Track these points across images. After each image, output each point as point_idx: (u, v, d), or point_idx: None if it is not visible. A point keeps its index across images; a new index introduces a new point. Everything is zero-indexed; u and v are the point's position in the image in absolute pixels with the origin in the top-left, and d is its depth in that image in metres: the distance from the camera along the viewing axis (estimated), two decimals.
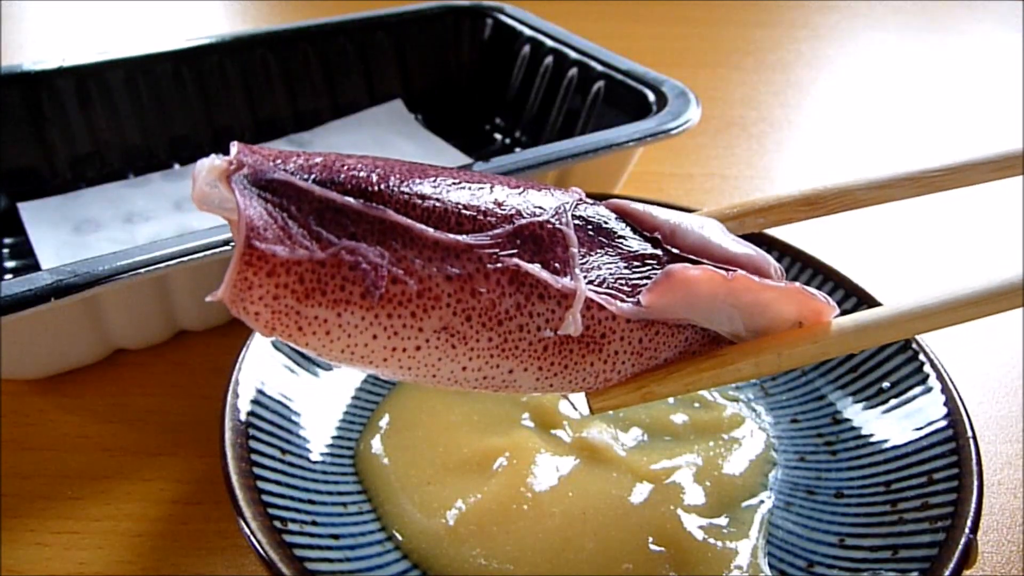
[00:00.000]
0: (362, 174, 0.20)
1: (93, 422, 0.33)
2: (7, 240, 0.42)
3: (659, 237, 0.24)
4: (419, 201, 0.20)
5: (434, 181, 0.21)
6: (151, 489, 0.30)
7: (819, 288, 0.34)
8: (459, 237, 0.20)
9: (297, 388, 0.30)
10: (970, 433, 0.27)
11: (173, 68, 0.47)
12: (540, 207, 0.22)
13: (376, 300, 0.19)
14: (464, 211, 0.21)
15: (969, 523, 0.24)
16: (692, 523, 0.27)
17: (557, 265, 0.21)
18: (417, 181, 0.21)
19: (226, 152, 0.20)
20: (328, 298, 0.19)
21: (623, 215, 0.24)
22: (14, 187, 0.44)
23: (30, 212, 0.43)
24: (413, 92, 0.56)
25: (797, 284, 0.24)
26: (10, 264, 0.40)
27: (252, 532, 0.23)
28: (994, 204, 0.53)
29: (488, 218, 0.21)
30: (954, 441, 0.27)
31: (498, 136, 0.55)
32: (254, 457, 0.26)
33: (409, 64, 0.56)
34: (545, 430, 0.30)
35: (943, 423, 0.28)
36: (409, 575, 0.25)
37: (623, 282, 0.22)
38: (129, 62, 0.46)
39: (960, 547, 0.24)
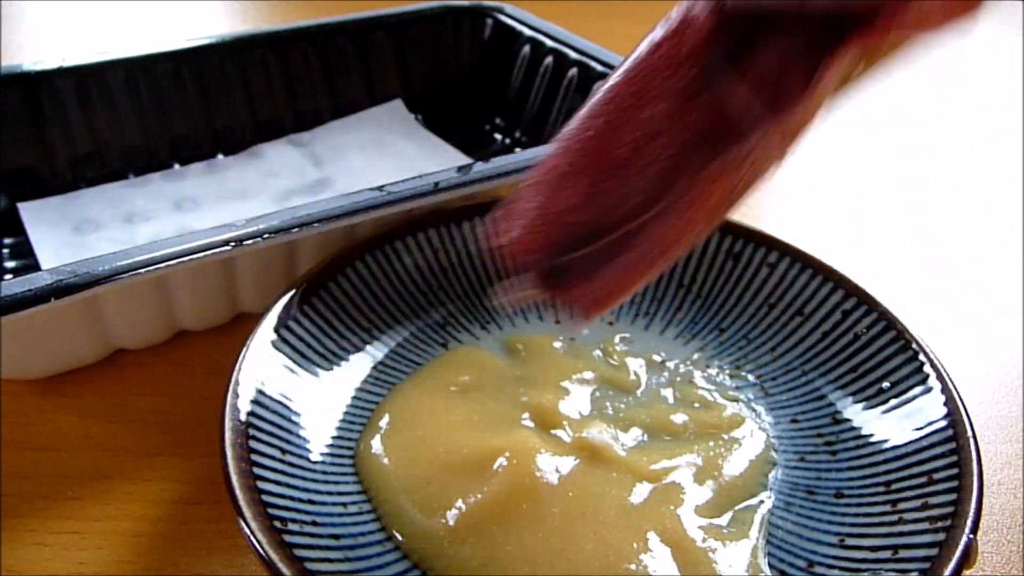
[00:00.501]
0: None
1: (93, 422, 0.33)
2: (7, 240, 0.42)
3: None
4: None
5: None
6: (151, 489, 0.30)
7: (818, 289, 0.34)
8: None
9: (297, 388, 0.30)
10: (970, 433, 0.27)
11: (173, 68, 0.47)
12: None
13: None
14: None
15: (969, 523, 0.24)
16: (692, 523, 0.27)
17: (739, 121, 0.21)
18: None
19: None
20: None
21: None
22: (14, 187, 0.44)
23: (30, 212, 0.43)
24: (413, 92, 0.56)
25: None
26: (10, 264, 0.40)
27: (252, 532, 0.23)
28: (994, 204, 0.53)
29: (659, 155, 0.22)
30: (954, 441, 0.27)
31: (498, 136, 0.55)
32: (254, 457, 0.26)
33: (409, 64, 0.56)
34: (545, 430, 0.30)
35: (943, 423, 0.28)
36: (409, 575, 0.25)
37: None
38: (129, 62, 0.46)
39: (960, 547, 0.24)
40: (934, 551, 0.24)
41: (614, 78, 0.24)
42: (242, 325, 0.35)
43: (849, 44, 0.19)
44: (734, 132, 0.21)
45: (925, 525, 0.25)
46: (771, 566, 0.26)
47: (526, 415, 0.31)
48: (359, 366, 0.33)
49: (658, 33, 0.23)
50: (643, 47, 0.23)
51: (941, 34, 0.20)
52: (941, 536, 0.24)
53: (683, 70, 0.22)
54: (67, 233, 0.42)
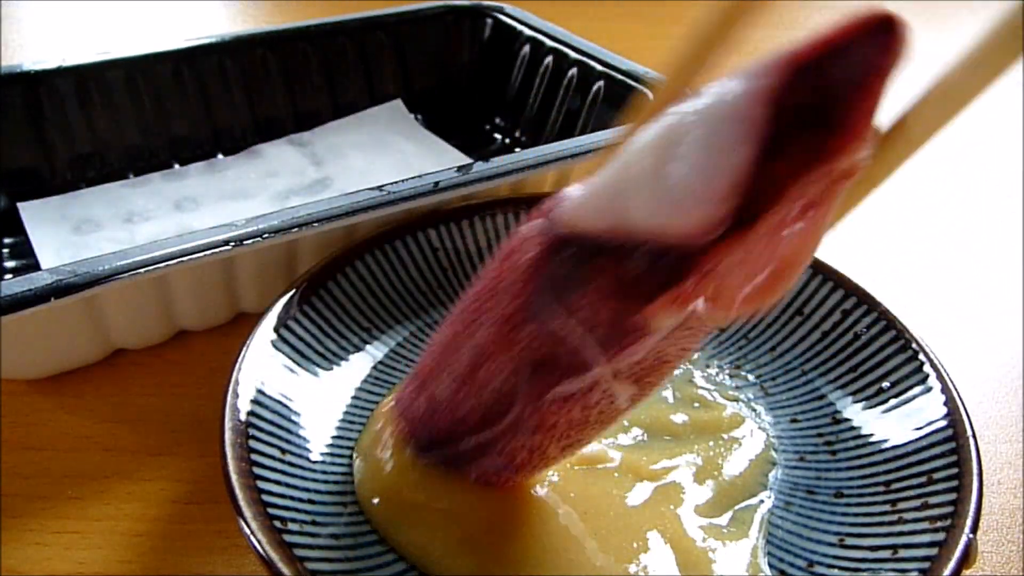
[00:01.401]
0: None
1: (93, 422, 0.33)
2: (7, 240, 0.42)
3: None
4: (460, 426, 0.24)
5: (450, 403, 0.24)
6: (151, 489, 0.30)
7: (818, 288, 0.34)
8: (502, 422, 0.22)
9: (297, 388, 0.30)
10: (970, 433, 0.27)
11: (173, 68, 0.47)
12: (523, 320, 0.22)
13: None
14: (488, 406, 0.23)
15: (969, 523, 0.24)
16: (692, 523, 0.27)
17: (571, 356, 0.20)
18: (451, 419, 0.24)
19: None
20: None
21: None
22: (14, 187, 0.44)
23: (30, 212, 0.43)
24: (413, 92, 0.56)
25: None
26: (10, 264, 0.40)
27: (252, 532, 0.23)
28: (994, 204, 0.53)
29: (505, 388, 0.22)
30: (954, 441, 0.27)
31: (498, 136, 0.55)
32: (254, 457, 0.26)
33: (409, 64, 0.56)
34: None
35: (943, 423, 0.28)
36: (408, 575, 0.25)
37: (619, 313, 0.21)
38: (129, 62, 0.46)
39: (960, 547, 0.24)
40: (934, 551, 0.24)
41: (476, 280, 0.23)
42: (242, 325, 0.35)
43: (669, 294, 0.17)
44: (567, 365, 0.20)
45: (925, 525, 0.25)
46: (771, 566, 0.26)
47: None
48: (359, 366, 0.33)
49: (504, 247, 0.22)
50: (495, 257, 0.22)
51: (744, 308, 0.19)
52: (941, 536, 0.24)
53: (509, 297, 0.21)
54: (67, 233, 0.42)
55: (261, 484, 0.25)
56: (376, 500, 0.27)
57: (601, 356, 0.19)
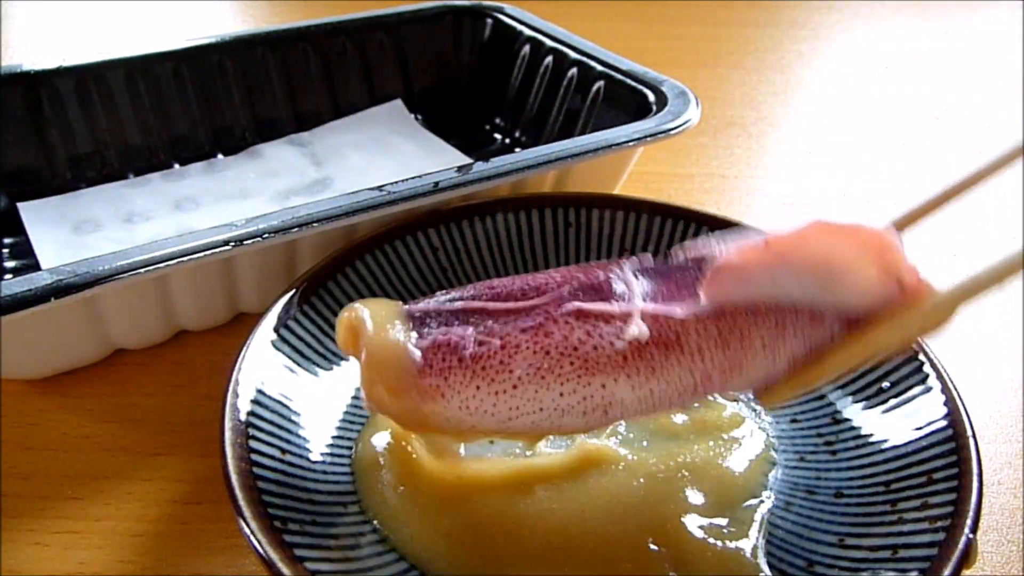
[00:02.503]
0: (451, 293, 0.26)
1: (93, 422, 0.33)
2: (7, 240, 0.42)
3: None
4: (489, 290, 0.25)
5: (506, 280, 0.26)
6: (151, 489, 0.30)
7: None
8: (525, 303, 0.25)
9: (297, 388, 0.30)
10: (970, 433, 0.27)
11: (173, 68, 0.47)
12: (598, 268, 0.26)
13: (469, 359, 0.24)
14: (528, 286, 0.25)
15: (969, 523, 0.24)
16: (692, 523, 0.27)
17: (616, 298, 0.25)
18: (491, 284, 0.26)
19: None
20: (435, 368, 0.24)
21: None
22: (14, 187, 0.44)
23: (30, 212, 0.43)
24: (413, 92, 0.56)
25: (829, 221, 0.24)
26: (10, 264, 0.40)
27: (252, 532, 0.23)
28: (994, 204, 0.53)
29: (550, 285, 0.25)
30: (954, 441, 0.27)
31: (498, 136, 0.55)
32: (254, 457, 0.26)
33: (409, 64, 0.56)
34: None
35: (943, 423, 0.28)
36: (408, 575, 0.25)
37: (682, 292, 0.25)
38: (129, 62, 0.46)
39: (960, 547, 0.24)
40: (934, 551, 0.24)
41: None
42: (242, 325, 0.35)
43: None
44: (609, 293, 0.25)
45: (925, 525, 0.25)
46: (771, 566, 0.26)
47: None
48: (359, 366, 0.33)
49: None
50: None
51: None
52: (941, 536, 0.24)
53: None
54: (67, 233, 0.42)
55: (261, 484, 0.25)
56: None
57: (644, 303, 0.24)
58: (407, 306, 0.25)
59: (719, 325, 0.24)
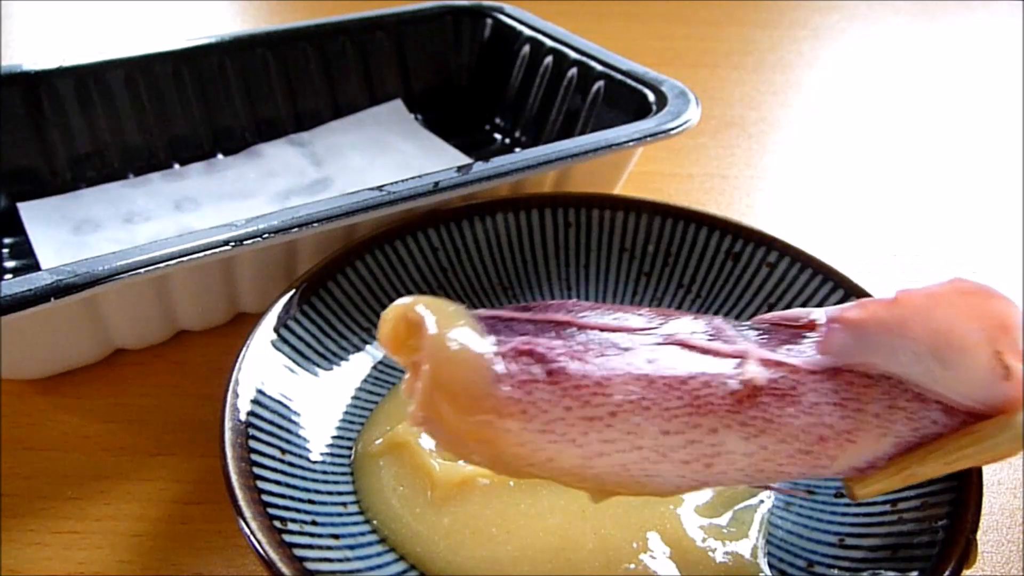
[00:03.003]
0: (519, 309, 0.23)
1: (93, 422, 0.33)
2: (7, 240, 0.42)
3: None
4: (574, 306, 0.23)
5: (585, 302, 0.23)
6: (151, 489, 0.30)
7: (818, 288, 0.34)
8: (624, 325, 0.22)
9: (297, 388, 0.30)
10: None
11: (173, 68, 0.47)
12: (689, 313, 0.24)
13: (560, 374, 0.20)
14: (616, 311, 0.23)
15: (969, 523, 0.24)
16: (692, 523, 0.27)
17: (722, 338, 0.22)
18: (568, 304, 0.23)
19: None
20: (517, 380, 0.20)
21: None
22: (14, 187, 0.44)
23: (30, 212, 0.43)
24: (413, 92, 0.56)
25: (967, 283, 0.21)
26: (10, 264, 0.40)
27: (252, 532, 0.23)
28: (994, 204, 0.53)
29: (641, 315, 0.23)
30: None
31: (498, 136, 0.55)
32: (254, 457, 0.26)
33: (409, 64, 0.56)
34: None
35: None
36: (408, 575, 0.25)
37: (792, 344, 0.23)
38: (129, 62, 0.46)
39: (960, 547, 0.24)
40: (934, 551, 0.24)
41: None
42: (242, 325, 0.35)
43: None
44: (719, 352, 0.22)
45: (925, 525, 0.25)
46: (771, 566, 0.26)
47: None
48: (359, 366, 0.33)
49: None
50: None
51: None
52: (941, 536, 0.24)
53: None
54: (67, 233, 0.42)
55: (261, 484, 0.25)
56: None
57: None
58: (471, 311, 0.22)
59: (836, 384, 0.22)
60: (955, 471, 0.23)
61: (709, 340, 0.22)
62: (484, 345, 0.20)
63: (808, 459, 0.22)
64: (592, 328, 0.21)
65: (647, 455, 0.21)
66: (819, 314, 0.23)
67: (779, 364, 0.21)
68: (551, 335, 0.21)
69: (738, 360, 0.21)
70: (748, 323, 0.24)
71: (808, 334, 0.23)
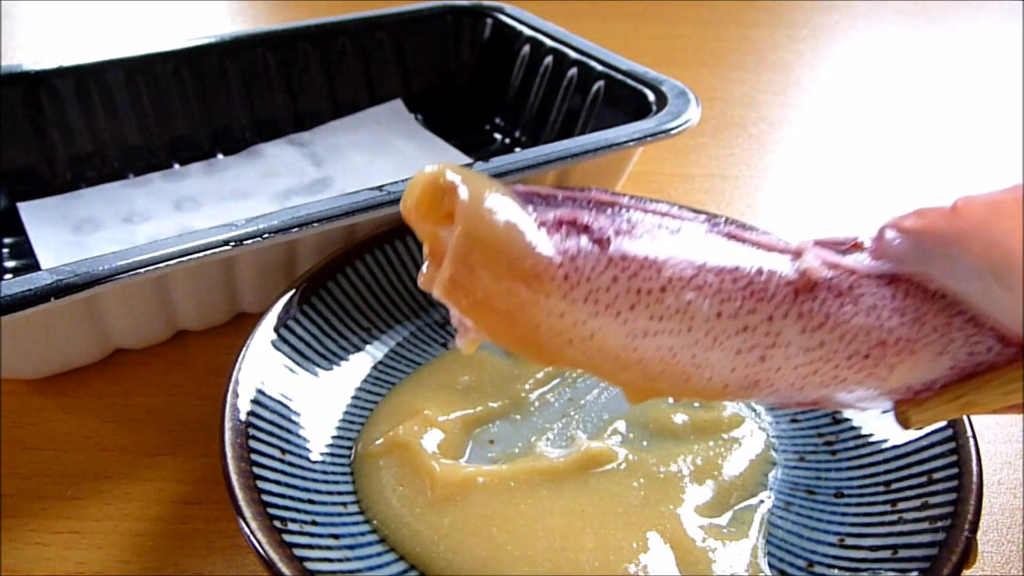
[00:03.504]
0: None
1: (93, 422, 0.33)
2: (7, 240, 0.42)
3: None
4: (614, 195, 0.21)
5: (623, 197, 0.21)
6: (151, 489, 0.30)
7: None
8: (672, 212, 0.20)
9: (297, 388, 0.30)
10: (970, 433, 0.27)
11: (173, 68, 0.47)
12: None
13: (606, 242, 0.18)
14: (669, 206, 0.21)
15: (969, 523, 0.24)
16: (692, 523, 0.27)
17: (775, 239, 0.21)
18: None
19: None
20: (559, 248, 0.18)
21: None
22: (14, 187, 0.44)
23: (30, 212, 0.43)
24: (413, 92, 0.56)
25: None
26: (10, 264, 0.40)
27: (252, 532, 0.23)
28: None
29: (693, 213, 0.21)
30: (954, 441, 0.27)
31: (498, 136, 0.55)
32: (254, 457, 0.26)
33: (409, 64, 0.56)
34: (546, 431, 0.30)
35: (943, 423, 0.28)
36: (408, 575, 0.25)
37: (848, 255, 0.21)
38: (129, 62, 0.46)
39: (960, 547, 0.24)
40: (934, 551, 0.24)
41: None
42: (242, 325, 0.35)
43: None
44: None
45: (925, 525, 0.25)
46: (771, 566, 0.26)
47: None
48: (359, 366, 0.33)
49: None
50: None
51: None
52: (941, 536, 0.24)
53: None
54: (67, 233, 0.42)
55: (261, 484, 0.25)
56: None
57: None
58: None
59: (894, 291, 0.20)
60: (1011, 404, 0.21)
61: (760, 236, 0.20)
62: (524, 211, 0.19)
63: (867, 365, 0.20)
64: (639, 210, 0.20)
65: (698, 338, 0.19)
66: (867, 235, 0.22)
67: (835, 265, 0.20)
68: (595, 212, 0.19)
69: (793, 254, 0.20)
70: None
71: (860, 250, 0.21)
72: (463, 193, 0.18)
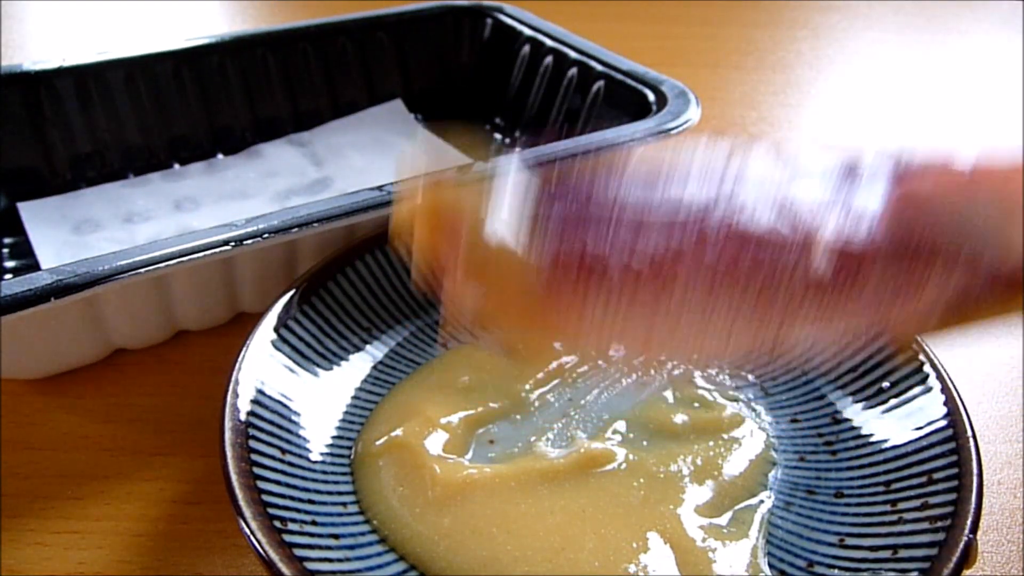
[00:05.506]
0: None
1: (93, 422, 0.33)
2: (7, 240, 0.42)
3: None
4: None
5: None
6: (151, 489, 0.30)
7: None
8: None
9: (297, 388, 0.30)
10: (970, 433, 0.27)
11: (173, 68, 0.47)
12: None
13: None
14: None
15: (969, 523, 0.24)
16: (692, 523, 0.27)
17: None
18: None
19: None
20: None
21: None
22: (14, 187, 0.44)
23: (30, 212, 0.43)
24: (413, 92, 0.56)
25: None
26: (10, 264, 0.40)
27: (252, 532, 0.23)
28: None
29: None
30: (954, 441, 0.27)
31: (498, 136, 0.55)
32: (254, 457, 0.26)
33: (409, 64, 0.56)
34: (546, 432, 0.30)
35: (943, 423, 0.28)
36: (408, 575, 0.25)
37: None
38: (129, 62, 0.46)
39: (960, 547, 0.24)
40: (934, 551, 0.24)
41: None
42: (242, 325, 0.35)
43: None
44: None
45: (925, 525, 0.25)
46: (771, 566, 0.26)
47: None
48: (359, 366, 0.33)
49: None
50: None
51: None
52: (941, 536, 0.24)
53: None
54: (67, 233, 0.42)
55: (261, 484, 0.25)
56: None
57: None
58: None
59: (898, 252, 0.20)
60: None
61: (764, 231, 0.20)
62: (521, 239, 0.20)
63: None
64: (639, 224, 0.20)
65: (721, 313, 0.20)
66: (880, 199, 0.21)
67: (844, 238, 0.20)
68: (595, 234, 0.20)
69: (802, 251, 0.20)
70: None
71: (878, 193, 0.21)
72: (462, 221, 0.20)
